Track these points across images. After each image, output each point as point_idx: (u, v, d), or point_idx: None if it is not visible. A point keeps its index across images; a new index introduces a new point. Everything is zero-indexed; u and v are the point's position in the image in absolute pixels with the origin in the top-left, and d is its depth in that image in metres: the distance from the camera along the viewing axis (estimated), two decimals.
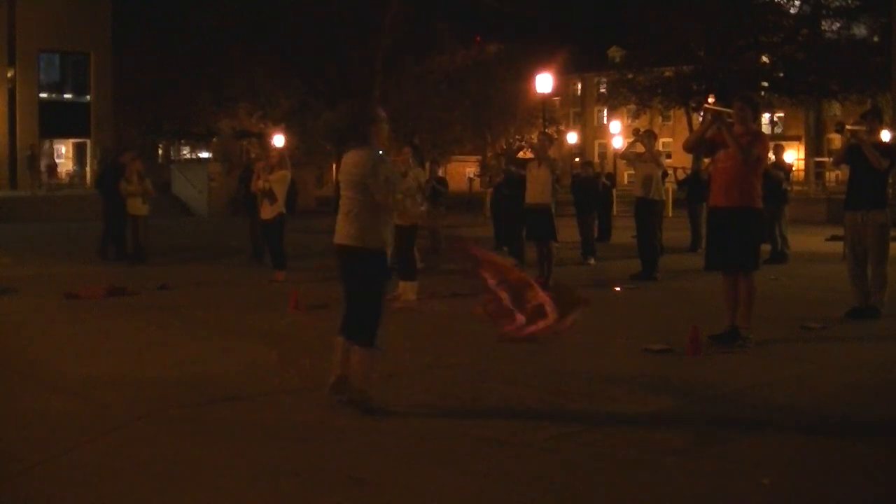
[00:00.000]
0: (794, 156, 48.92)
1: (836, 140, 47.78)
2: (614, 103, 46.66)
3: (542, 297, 5.55)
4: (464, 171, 55.10)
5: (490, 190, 17.32)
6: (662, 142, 44.36)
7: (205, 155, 52.45)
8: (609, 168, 37.14)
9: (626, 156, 13.19)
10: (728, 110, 7.35)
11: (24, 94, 34.55)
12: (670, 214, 21.17)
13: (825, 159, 43.34)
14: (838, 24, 39.31)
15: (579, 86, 68.38)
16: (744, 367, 6.48)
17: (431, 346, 7.27)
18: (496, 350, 7.21)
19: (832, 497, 4.06)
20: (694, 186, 15.49)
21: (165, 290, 10.74)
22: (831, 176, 41.02)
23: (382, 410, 5.20)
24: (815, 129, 59.53)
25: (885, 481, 4.27)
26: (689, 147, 7.89)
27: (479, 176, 36.17)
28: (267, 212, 11.62)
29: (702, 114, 8.16)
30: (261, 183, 11.66)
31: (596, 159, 46.58)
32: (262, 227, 12.16)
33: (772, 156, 11.51)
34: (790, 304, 9.27)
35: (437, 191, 15.11)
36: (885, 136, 12.62)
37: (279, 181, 11.60)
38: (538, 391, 5.83)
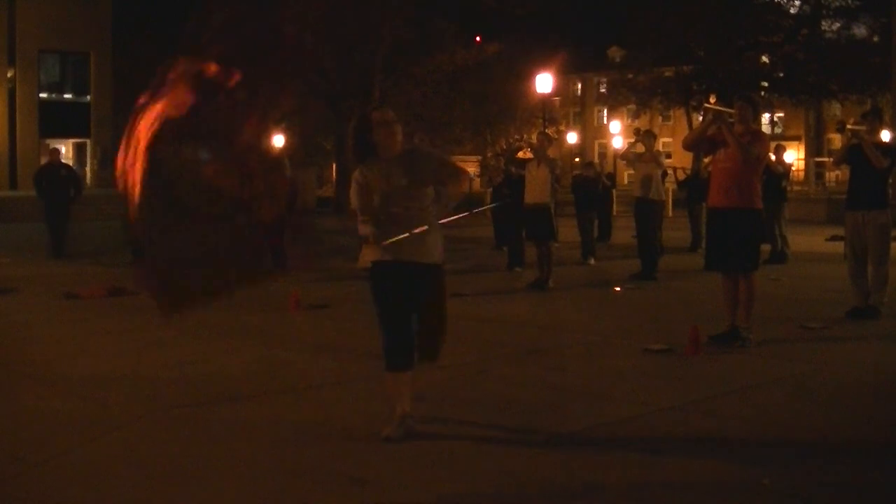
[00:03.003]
0: (794, 156, 48.86)
1: (836, 140, 47.73)
2: (614, 103, 46.61)
3: None
4: None
5: (490, 190, 17.31)
6: (662, 142, 44.28)
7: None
8: (609, 168, 37.13)
9: (626, 156, 13.18)
10: (729, 110, 7.36)
11: (24, 94, 34.52)
12: (670, 214, 21.17)
13: (825, 159, 43.33)
14: (838, 24, 39.29)
15: (579, 86, 68.32)
16: (744, 367, 6.48)
17: None
18: (496, 350, 7.21)
19: (832, 497, 4.06)
20: (694, 186, 15.49)
21: None
22: (831, 176, 40.99)
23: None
24: (815, 129, 59.52)
25: (885, 481, 4.27)
26: (688, 145, 7.89)
27: (478, 176, 36.15)
28: None
29: (702, 113, 8.15)
30: None
31: (596, 159, 46.51)
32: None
33: (772, 156, 11.51)
34: (790, 304, 9.27)
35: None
36: (886, 136, 12.62)
37: None
38: (538, 391, 5.83)
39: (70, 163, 39.96)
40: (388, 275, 4.73)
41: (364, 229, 4.79)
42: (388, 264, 4.71)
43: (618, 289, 10.83)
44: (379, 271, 4.76)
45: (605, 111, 58.48)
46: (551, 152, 11.38)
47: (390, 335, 4.74)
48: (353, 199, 4.85)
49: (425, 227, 4.72)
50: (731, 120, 7.24)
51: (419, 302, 4.77)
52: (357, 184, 4.83)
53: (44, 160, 35.38)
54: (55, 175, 15.12)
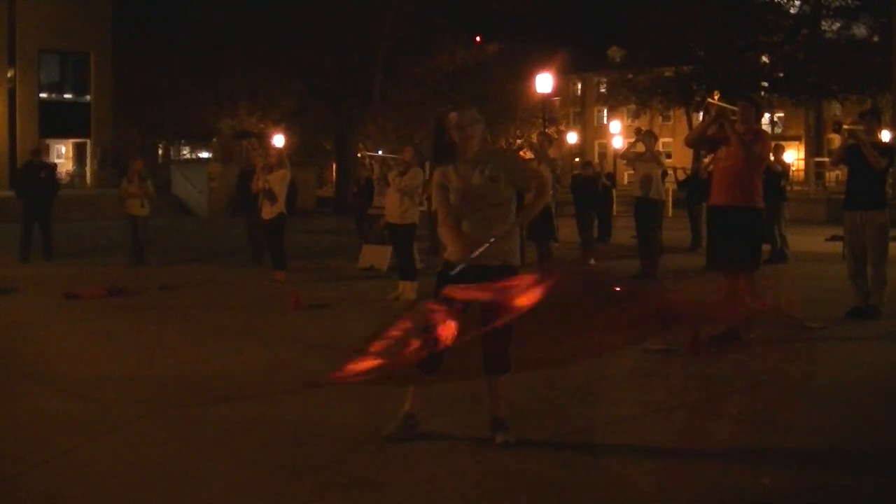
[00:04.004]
0: (794, 156, 48.86)
1: (836, 140, 47.63)
2: (614, 103, 46.61)
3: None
4: None
5: None
6: (662, 142, 44.27)
7: (205, 155, 52.47)
8: (609, 168, 37.12)
9: (626, 155, 13.18)
10: (731, 107, 7.37)
11: (24, 94, 34.49)
12: (670, 214, 21.17)
13: (825, 159, 43.29)
14: (838, 24, 39.29)
15: (579, 86, 68.31)
16: (744, 367, 6.48)
17: None
18: None
19: (832, 497, 4.06)
20: (694, 186, 15.49)
21: (165, 290, 10.74)
22: (831, 176, 40.94)
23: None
24: (815, 129, 59.50)
25: (885, 482, 4.27)
26: (690, 142, 7.91)
27: None
28: (267, 212, 11.64)
29: (702, 112, 8.17)
30: (260, 183, 11.69)
31: (596, 159, 46.50)
32: (263, 227, 12.17)
33: (771, 156, 11.52)
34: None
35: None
36: (885, 136, 12.62)
37: (279, 181, 11.62)
38: (538, 391, 5.83)
39: (69, 163, 40.08)
40: (463, 276, 4.68)
41: (445, 233, 4.79)
42: (466, 267, 4.68)
43: (618, 289, 10.80)
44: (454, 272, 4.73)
45: (605, 111, 58.51)
46: (552, 152, 11.37)
47: None
48: (434, 201, 4.91)
49: (500, 232, 4.68)
50: (734, 118, 7.25)
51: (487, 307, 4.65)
52: (436, 185, 4.84)
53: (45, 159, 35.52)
54: (35, 175, 14.96)
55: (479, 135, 4.85)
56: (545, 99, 31.60)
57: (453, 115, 4.88)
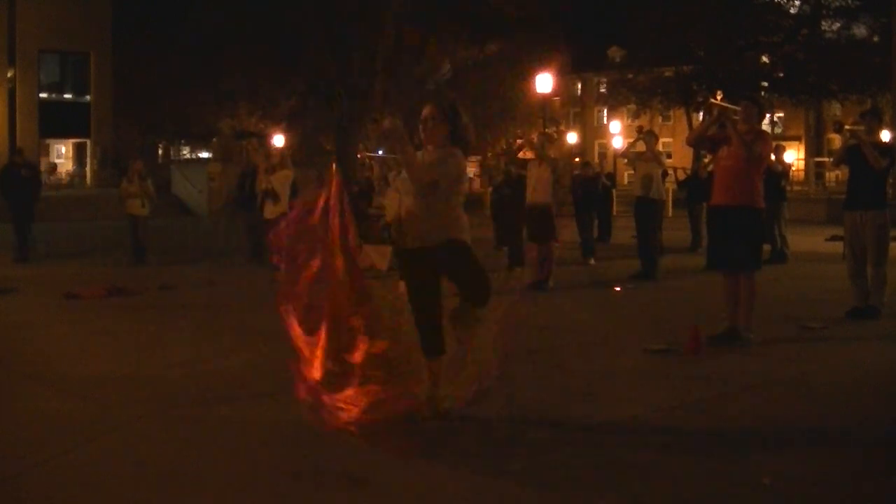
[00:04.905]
0: (794, 156, 48.81)
1: (836, 140, 47.55)
2: (614, 103, 46.65)
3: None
4: None
5: (490, 190, 17.32)
6: (662, 142, 44.25)
7: (205, 155, 52.42)
8: (609, 168, 37.10)
9: (627, 154, 13.18)
10: (733, 107, 7.37)
11: (24, 94, 34.49)
12: (670, 214, 21.17)
13: (825, 159, 43.28)
14: (838, 24, 39.33)
15: (579, 86, 68.22)
16: (744, 367, 6.48)
17: None
18: (496, 350, 7.20)
19: (832, 496, 4.06)
20: (694, 186, 15.49)
21: (165, 290, 10.74)
22: (831, 176, 40.94)
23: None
24: (815, 129, 59.48)
25: (884, 481, 4.27)
26: (691, 142, 7.92)
27: (478, 176, 36.17)
28: (270, 211, 11.65)
29: (701, 112, 8.16)
30: (263, 184, 11.73)
31: (596, 159, 46.48)
32: (264, 227, 12.18)
33: (772, 156, 11.52)
34: (790, 304, 9.27)
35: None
36: (886, 136, 12.61)
37: (281, 181, 11.64)
38: (538, 391, 5.83)
39: (69, 163, 40.06)
40: (405, 262, 5.06)
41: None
42: (405, 251, 5.00)
43: (618, 289, 10.83)
44: (401, 259, 5.12)
45: (605, 111, 58.44)
46: (554, 152, 11.36)
47: (417, 324, 5.03)
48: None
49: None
50: (736, 117, 7.26)
51: (442, 282, 4.98)
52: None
53: (44, 161, 35.57)
54: (16, 175, 14.80)
55: (436, 132, 4.95)
56: (545, 99, 31.58)
57: (424, 108, 5.01)
